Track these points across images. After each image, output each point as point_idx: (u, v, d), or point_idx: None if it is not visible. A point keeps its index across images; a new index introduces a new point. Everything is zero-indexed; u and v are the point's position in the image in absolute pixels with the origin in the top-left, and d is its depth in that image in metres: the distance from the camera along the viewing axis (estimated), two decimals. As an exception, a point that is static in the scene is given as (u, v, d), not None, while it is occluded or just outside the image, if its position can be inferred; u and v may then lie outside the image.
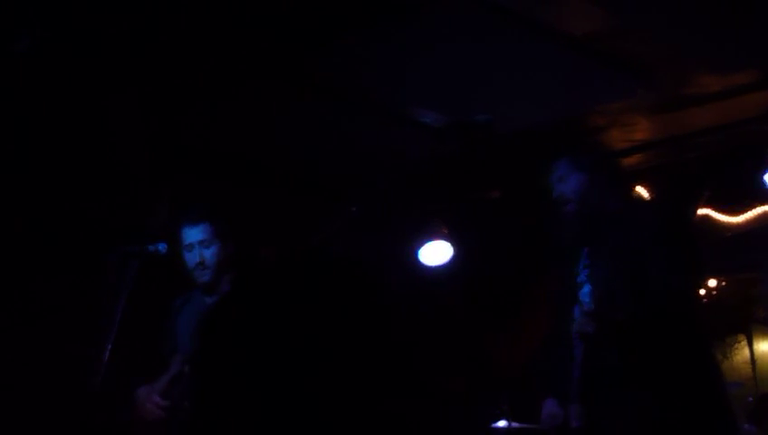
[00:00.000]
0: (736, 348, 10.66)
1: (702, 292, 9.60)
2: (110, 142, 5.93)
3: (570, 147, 4.35)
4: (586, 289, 4.12)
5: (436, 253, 7.47)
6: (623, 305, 3.79)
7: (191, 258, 4.72)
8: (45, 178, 5.87)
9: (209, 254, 4.71)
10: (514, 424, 6.55)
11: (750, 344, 10.64)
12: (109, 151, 5.98)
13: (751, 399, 8.73)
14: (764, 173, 6.73)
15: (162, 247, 4.57)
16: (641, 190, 7.33)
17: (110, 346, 4.22)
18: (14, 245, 5.86)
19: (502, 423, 6.59)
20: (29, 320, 5.84)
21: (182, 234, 4.76)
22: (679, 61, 5.79)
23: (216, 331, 1.53)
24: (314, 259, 1.55)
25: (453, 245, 7.43)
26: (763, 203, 7.51)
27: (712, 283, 9.54)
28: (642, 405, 3.80)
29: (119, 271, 4.42)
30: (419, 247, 7.45)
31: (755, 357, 10.54)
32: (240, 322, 1.45)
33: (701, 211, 7.27)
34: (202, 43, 5.23)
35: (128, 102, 5.71)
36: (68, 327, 5.72)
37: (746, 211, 7.47)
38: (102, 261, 4.52)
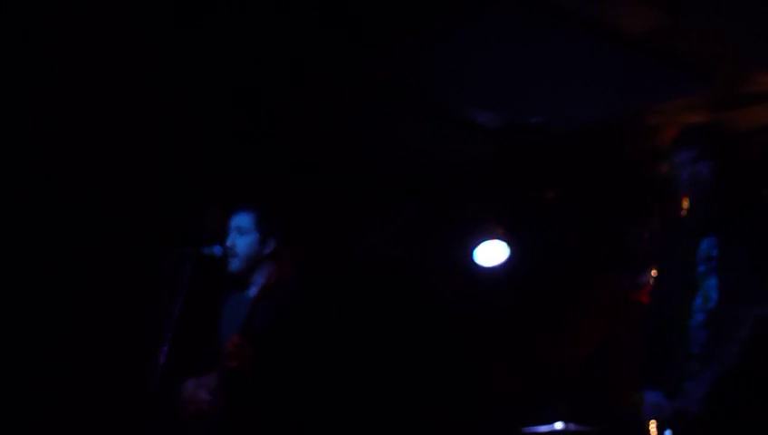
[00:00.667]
0: None
1: None
2: (165, 145, 5.97)
3: (706, 130, 4.19)
4: (712, 282, 3.99)
5: (491, 253, 7.45)
6: None
7: (227, 243, 4.66)
8: (101, 181, 5.91)
9: (243, 243, 4.64)
10: (571, 426, 6.49)
11: None
12: (164, 154, 6.02)
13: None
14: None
15: (217, 250, 4.58)
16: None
17: (166, 348, 4.25)
18: (73, 247, 5.92)
19: (559, 425, 6.54)
20: (88, 322, 5.89)
21: (228, 219, 4.74)
22: (737, 58, 5.72)
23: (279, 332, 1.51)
24: (365, 263, 1.53)
25: (509, 245, 7.40)
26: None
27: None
28: None
29: (174, 273, 4.44)
30: (475, 248, 7.43)
31: None
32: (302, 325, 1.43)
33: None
34: (258, 44, 5.25)
35: (183, 105, 5.74)
36: (125, 329, 5.77)
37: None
38: (159, 264, 4.54)
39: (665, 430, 3.95)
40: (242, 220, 4.68)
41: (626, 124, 6.50)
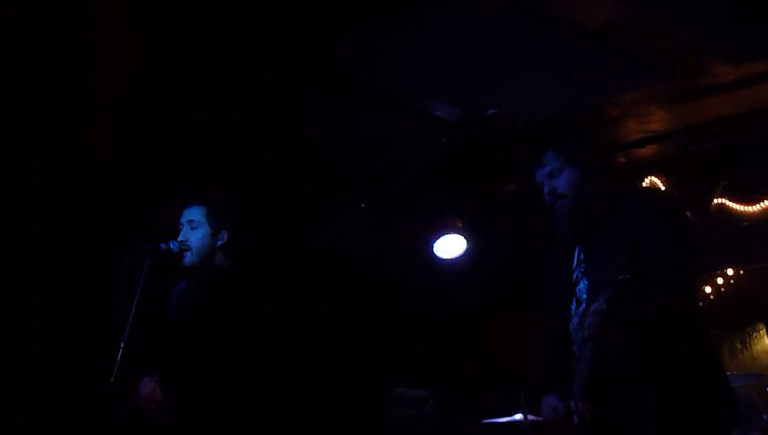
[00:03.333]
0: (755, 337, 10.60)
1: (720, 281, 9.57)
2: (122, 141, 5.93)
3: (557, 140, 4.27)
4: (582, 285, 4.09)
5: (450, 246, 7.45)
6: (628, 305, 3.75)
7: (179, 237, 4.68)
8: (59, 178, 5.86)
9: (194, 236, 4.68)
10: (531, 417, 6.52)
11: (769, 333, 10.59)
12: (121, 150, 5.98)
13: (769, 389, 8.67)
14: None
15: (174, 245, 4.58)
16: (656, 181, 7.30)
17: (122, 344, 4.22)
18: (30, 243, 5.87)
19: (518, 416, 6.57)
20: (46, 319, 5.84)
21: (180, 215, 4.77)
22: (694, 51, 5.76)
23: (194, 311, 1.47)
24: (322, 255, 1.50)
25: (467, 238, 7.40)
26: (779, 192, 7.46)
27: (729, 272, 9.49)
28: (653, 403, 3.78)
29: (131, 269, 4.42)
30: (434, 241, 7.43)
31: (775, 346, 10.49)
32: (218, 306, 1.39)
33: (717, 201, 7.22)
34: (215, 39, 5.22)
35: (140, 101, 5.70)
36: (81, 325, 5.72)
37: (763, 200, 7.41)
38: (115, 259, 4.52)
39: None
40: (194, 214, 4.70)
41: (584, 116, 6.52)
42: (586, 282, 4.07)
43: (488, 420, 6.72)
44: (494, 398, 6.98)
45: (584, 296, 4.05)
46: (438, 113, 6.44)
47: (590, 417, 3.89)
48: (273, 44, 5.33)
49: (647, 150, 7.30)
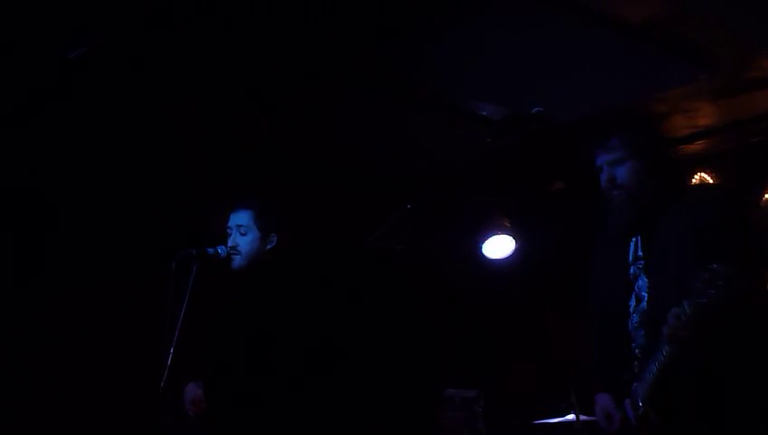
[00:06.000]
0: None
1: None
2: (170, 148, 5.97)
3: (625, 129, 4.17)
4: (641, 282, 4.01)
5: (499, 247, 7.43)
6: (714, 313, 3.63)
7: (228, 243, 4.71)
8: (107, 185, 5.92)
9: (244, 241, 4.70)
10: (583, 417, 6.47)
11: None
12: (169, 157, 6.02)
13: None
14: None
15: (222, 250, 4.60)
16: (705, 177, 7.22)
17: (172, 348, 4.25)
18: (80, 250, 5.92)
19: (570, 416, 6.52)
20: (95, 323, 5.90)
21: (228, 219, 4.78)
22: (740, 44, 5.69)
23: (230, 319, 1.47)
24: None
25: (516, 238, 7.38)
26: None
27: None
28: (731, 406, 3.69)
29: (179, 274, 4.45)
30: (482, 242, 7.42)
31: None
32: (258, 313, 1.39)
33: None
34: (260, 45, 5.24)
35: (186, 107, 5.74)
36: (132, 330, 5.77)
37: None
38: (164, 265, 4.55)
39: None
40: (242, 218, 4.71)
41: (631, 112, 6.46)
42: (645, 279, 3.99)
43: (540, 421, 6.67)
44: (544, 398, 6.94)
45: (644, 294, 3.97)
46: (484, 113, 6.42)
47: (656, 419, 3.82)
48: (319, 49, 5.34)
49: (695, 146, 7.22)
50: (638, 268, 4.04)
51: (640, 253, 4.04)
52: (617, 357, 4.05)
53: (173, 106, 5.68)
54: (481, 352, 7.94)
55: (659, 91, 6.28)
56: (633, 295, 4.04)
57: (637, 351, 3.97)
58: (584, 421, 6.47)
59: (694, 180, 7.21)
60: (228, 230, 4.73)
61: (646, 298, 3.97)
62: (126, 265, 6.01)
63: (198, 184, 6.26)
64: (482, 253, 7.52)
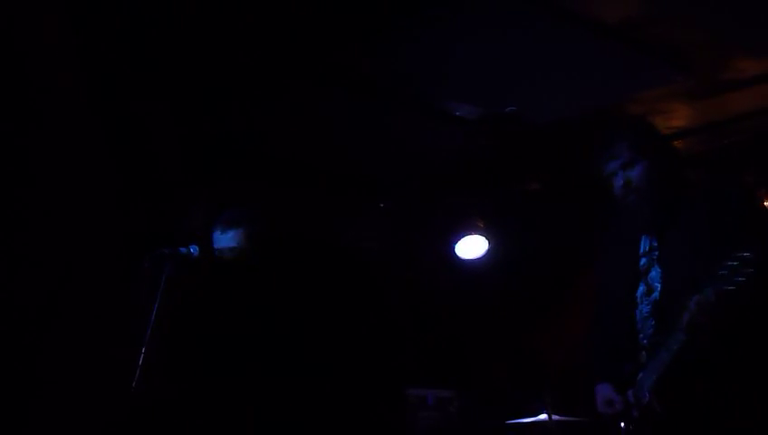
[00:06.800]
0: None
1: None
2: (143, 146, 5.93)
3: (627, 132, 4.19)
4: (654, 273, 4.00)
5: (472, 247, 7.44)
6: (739, 300, 3.62)
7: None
8: (79, 183, 5.87)
9: (225, 239, 4.74)
10: (555, 417, 6.49)
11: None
12: (142, 155, 5.98)
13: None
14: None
15: (194, 250, 4.57)
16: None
17: (144, 348, 4.22)
18: (53, 248, 5.88)
19: (543, 416, 6.53)
20: (69, 323, 5.86)
21: (213, 239, 4.77)
22: (716, 46, 5.70)
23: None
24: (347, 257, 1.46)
25: (489, 239, 7.39)
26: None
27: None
28: (744, 395, 3.69)
29: (152, 273, 4.42)
30: (456, 242, 7.42)
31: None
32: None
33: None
34: (236, 44, 5.22)
35: (161, 105, 5.70)
36: (106, 330, 5.73)
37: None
38: (136, 264, 4.51)
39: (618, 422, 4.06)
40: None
41: (606, 113, 6.47)
42: (659, 270, 3.99)
43: (513, 421, 6.69)
44: (518, 398, 6.95)
45: (657, 285, 3.97)
46: (458, 113, 6.41)
47: (661, 409, 3.80)
48: (294, 49, 5.32)
49: (670, 147, 7.24)
50: (652, 259, 4.04)
51: (654, 243, 4.05)
52: (618, 346, 4.05)
53: (146, 106, 5.65)
54: (455, 352, 7.93)
55: (635, 92, 6.29)
56: (642, 286, 4.05)
57: (645, 341, 3.96)
58: (556, 421, 6.50)
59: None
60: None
61: (659, 289, 3.97)
62: (99, 264, 5.96)
63: (173, 183, 6.23)
64: (455, 253, 7.52)
